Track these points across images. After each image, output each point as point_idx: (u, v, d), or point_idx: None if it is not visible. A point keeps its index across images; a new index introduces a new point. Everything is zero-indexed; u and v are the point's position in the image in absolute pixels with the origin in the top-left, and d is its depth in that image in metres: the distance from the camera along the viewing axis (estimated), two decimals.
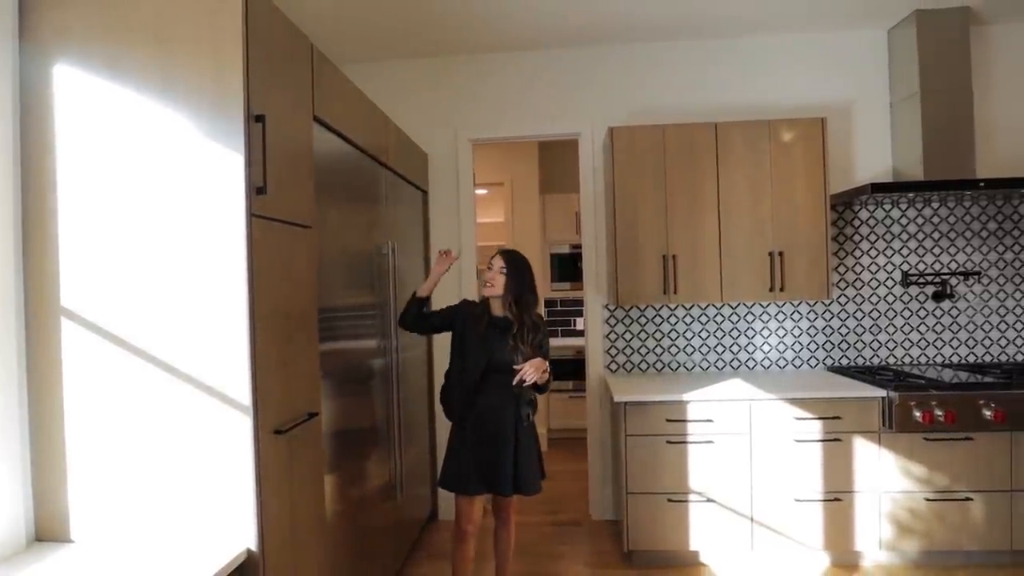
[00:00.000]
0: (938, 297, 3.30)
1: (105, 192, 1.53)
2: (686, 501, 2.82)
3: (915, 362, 3.34)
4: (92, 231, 1.53)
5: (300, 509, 1.71)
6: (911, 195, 3.02)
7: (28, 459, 1.56)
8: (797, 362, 3.39)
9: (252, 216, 1.49)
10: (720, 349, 3.42)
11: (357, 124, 2.31)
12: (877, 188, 2.92)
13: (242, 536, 1.49)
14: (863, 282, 3.35)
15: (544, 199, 5.40)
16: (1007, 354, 3.31)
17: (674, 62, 3.43)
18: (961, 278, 3.30)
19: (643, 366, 3.45)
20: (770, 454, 2.80)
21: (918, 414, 2.66)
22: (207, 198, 1.49)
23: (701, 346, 3.43)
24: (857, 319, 3.36)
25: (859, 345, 3.36)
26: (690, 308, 3.43)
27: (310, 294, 1.83)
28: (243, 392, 1.48)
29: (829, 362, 3.38)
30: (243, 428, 1.48)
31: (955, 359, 3.33)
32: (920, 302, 3.33)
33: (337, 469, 2.07)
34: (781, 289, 3.04)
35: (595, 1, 2.91)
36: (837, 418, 2.77)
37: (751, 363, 3.41)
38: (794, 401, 2.79)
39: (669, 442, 2.82)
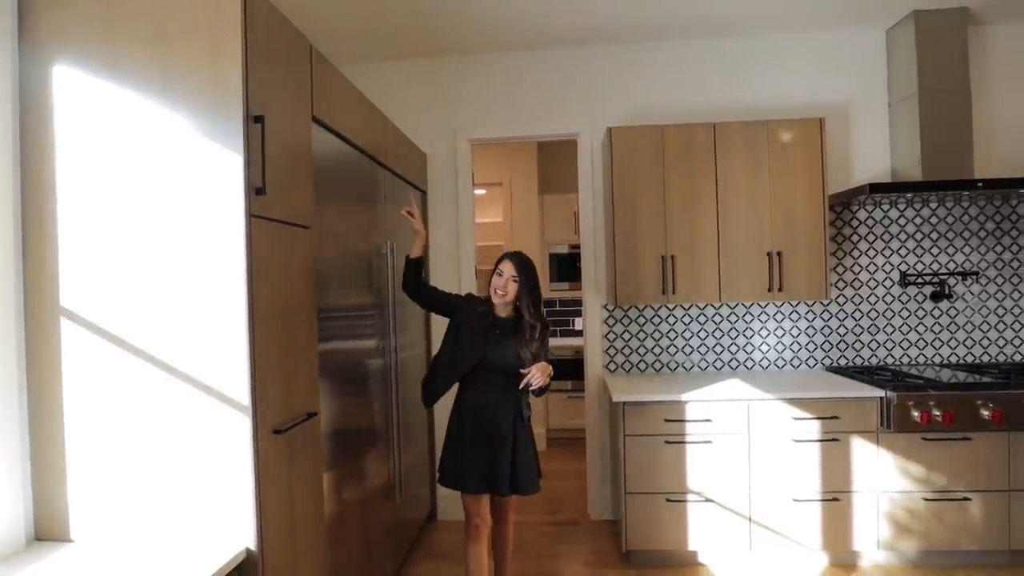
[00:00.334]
0: (936, 297, 3.31)
1: (104, 192, 1.53)
2: (684, 501, 2.83)
3: (913, 362, 3.35)
4: (92, 231, 1.54)
5: (299, 509, 1.72)
6: (909, 195, 3.03)
7: (28, 459, 1.57)
8: (796, 362, 3.40)
9: (251, 216, 1.49)
10: (719, 349, 3.42)
11: (356, 124, 2.31)
12: (875, 188, 2.92)
13: (241, 535, 1.49)
14: (861, 282, 3.36)
15: (543, 199, 5.41)
16: (1005, 354, 3.31)
17: (673, 62, 3.43)
18: (959, 278, 3.31)
19: (642, 366, 3.46)
20: (768, 454, 2.80)
21: (916, 414, 2.67)
22: (206, 198, 1.49)
23: (700, 346, 3.43)
24: (855, 319, 3.36)
25: (857, 345, 3.37)
26: (689, 308, 3.43)
27: (309, 294, 1.83)
28: (242, 392, 1.48)
29: (828, 362, 3.38)
30: (242, 428, 1.48)
31: (953, 359, 3.33)
32: (918, 302, 3.34)
33: (336, 469, 2.07)
34: (780, 289, 3.04)
35: (594, 2, 2.92)
36: (835, 418, 2.77)
37: (750, 363, 3.41)
38: (792, 401, 2.79)
39: (668, 442, 2.83)
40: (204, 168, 1.49)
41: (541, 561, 3.01)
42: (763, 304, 3.39)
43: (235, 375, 1.48)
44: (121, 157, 1.52)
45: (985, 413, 2.65)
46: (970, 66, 3.06)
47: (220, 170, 1.48)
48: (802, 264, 3.04)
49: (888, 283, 3.35)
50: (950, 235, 3.32)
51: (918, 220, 3.33)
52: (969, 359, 3.33)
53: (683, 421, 2.82)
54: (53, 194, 1.55)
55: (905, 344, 3.35)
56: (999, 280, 3.30)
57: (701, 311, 3.43)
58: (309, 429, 1.79)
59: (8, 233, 1.54)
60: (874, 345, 3.36)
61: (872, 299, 3.36)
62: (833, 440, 2.78)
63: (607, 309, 3.48)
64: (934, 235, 3.32)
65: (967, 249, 3.31)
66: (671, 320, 3.44)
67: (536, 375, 2.19)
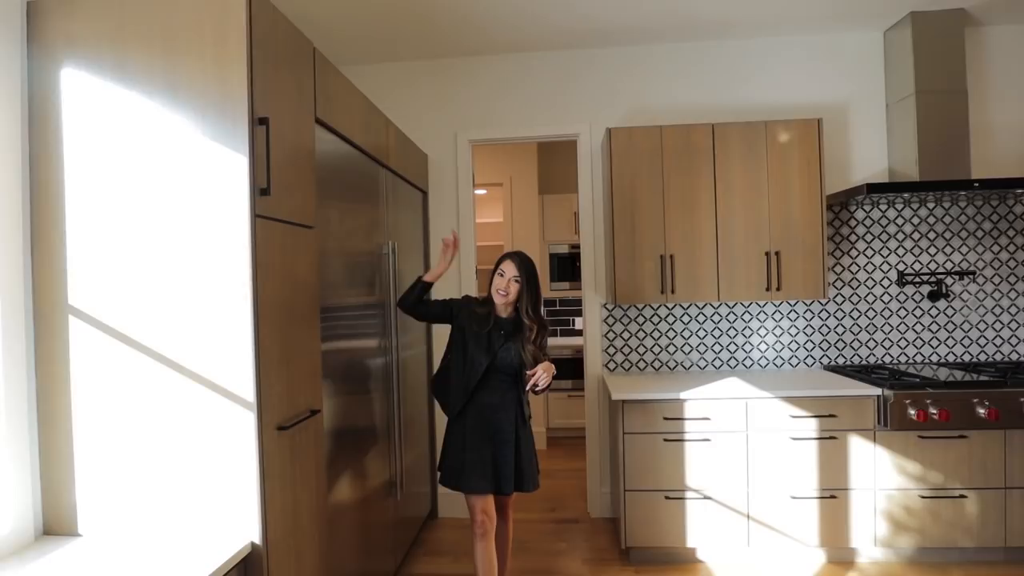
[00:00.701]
0: (933, 296, 3.33)
1: (112, 193, 1.56)
2: (683, 498, 2.85)
3: (911, 361, 3.37)
4: (99, 231, 1.57)
5: (302, 504, 1.74)
6: (907, 195, 3.05)
7: (36, 454, 1.60)
8: (794, 361, 3.42)
9: (256, 217, 1.52)
10: (717, 348, 3.45)
11: (358, 126, 2.34)
12: (873, 188, 2.95)
13: (246, 530, 1.52)
14: (859, 281, 3.38)
15: (543, 199, 5.43)
16: (1002, 353, 3.34)
17: (672, 64, 3.46)
18: (956, 277, 3.34)
19: (641, 365, 3.49)
20: (766, 452, 2.83)
21: (913, 412, 2.69)
22: (212, 199, 1.52)
23: (699, 345, 3.46)
24: (853, 318, 3.39)
25: (855, 344, 3.39)
26: (688, 307, 3.46)
27: (312, 293, 1.86)
28: (247, 389, 1.51)
29: (826, 361, 3.41)
30: (247, 424, 1.51)
31: (950, 358, 3.36)
32: (916, 301, 3.36)
33: (338, 466, 2.10)
34: (778, 288, 3.07)
35: (593, 5, 2.94)
36: (833, 416, 2.80)
37: (748, 362, 3.44)
38: (790, 399, 2.82)
39: (666, 440, 2.85)
40: (209, 169, 1.52)
41: (541, 558, 3.03)
42: (761, 303, 3.41)
43: (240, 372, 1.51)
44: (128, 158, 1.55)
45: (981, 411, 2.67)
46: (967, 67, 3.09)
47: (225, 171, 1.51)
48: (800, 263, 3.06)
49: (886, 282, 3.37)
50: (947, 235, 3.34)
51: (915, 220, 3.35)
52: (966, 358, 3.35)
53: (682, 419, 2.85)
54: (61, 194, 1.58)
55: (903, 343, 3.37)
56: (996, 279, 3.33)
57: (700, 310, 3.45)
58: (312, 426, 1.81)
59: (17, 232, 1.57)
60: (872, 344, 3.38)
61: (870, 298, 3.38)
62: (831, 438, 2.80)
63: (607, 308, 3.50)
64: (931, 235, 3.35)
65: (964, 249, 3.33)
66: (670, 319, 3.46)
67: (543, 375, 2.22)
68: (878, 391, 2.77)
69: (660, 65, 3.47)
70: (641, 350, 3.48)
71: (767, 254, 3.07)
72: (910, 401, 2.71)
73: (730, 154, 3.08)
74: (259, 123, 1.53)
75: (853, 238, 3.38)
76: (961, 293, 3.34)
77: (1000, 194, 3.09)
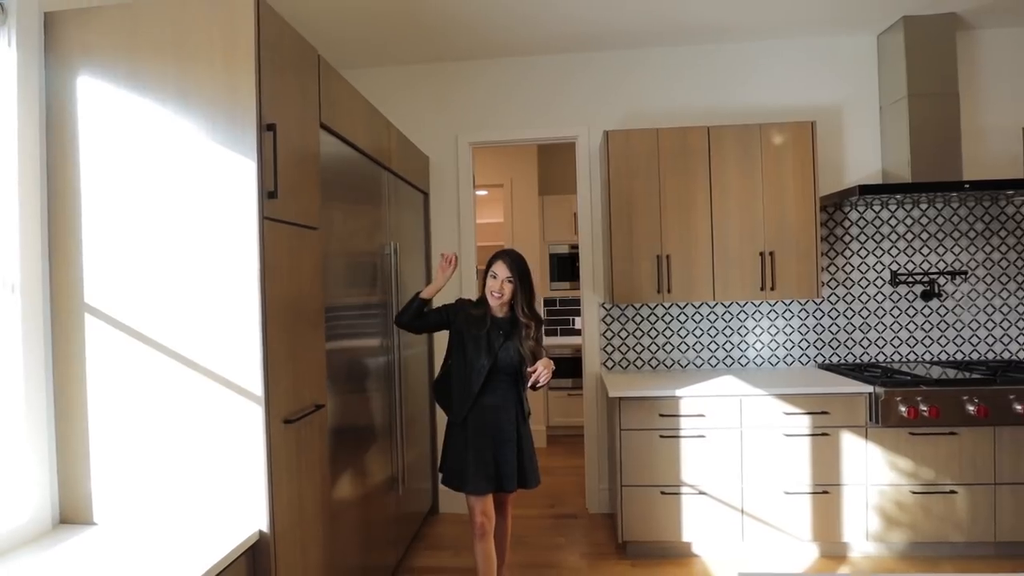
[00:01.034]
0: (926, 296, 3.39)
1: (126, 197, 1.63)
2: (679, 494, 2.91)
3: (903, 360, 3.43)
4: (114, 233, 1.63)
5: (307, 496, 1.81)
6: (899, 196, 3.11)
7: (54, 447, 1.67)
8: (788, 359, 3.48)
9: (264, 219, 1.59)
10: (713, 347, 3.51)
11: (360, 129, 2.41)
12: (866, 189, 3.00)
13: (254, 519, 1.59)
14: (853, 281, 3.44)
15: (543, 200, 5.49)
16: (994, 352, 3.39)
17: (668, 67, 3.52)
18: (948, 277, 3.39)
19: (638, 363, 3.54)
20: (760, 448, 2.89)
21: (903, 409, 2.75)
22: (221, 202, 1.58)
23: (695, 344, 3.52)
24: (847, 318, 3.44)
25: (849, 343, 3.45)
26: (684, 307, 3.52)
27: (317, 292, 1.92)
28: (255, 383, 1.57)
29: (820, 360, 3.46)
30: (255, 417, 1.58)
31: (943, 357, 3.41)
32: (909, 301, 3.42)
33: (341, 460, 2.16)
34: (772, 288, 3.13)
35: (591, 9, 3.00)
36: (825, 413, 2.85)
37: (743, 360, 3.50)
38: (783, 397, 2.87)
39: (662, 436, 2.91)
40: (219, 173, 1.58)
41: (540, 552, 3.09)
42: (756, 303, 3.47)
43: (249, 368, 1.58)
44: (142, 163, 1.62)
45: (971, 408, 2.72)
46: (959, 70, 3.15)
47: (234, 175, 1.58)
48: (794, 264, 3.12)
49: (879, 282, 3.43)
50: (939, 235, 3.39)
51: (908, 221, 3.41)
52: (958, 356, 3.40)
53: (677, 416, 2.91)
54: (78, 198, 1.65)
55: (896, 342, 3.43)
56: (987, 279, 3.38)
57: (696, 309, 3.51)
58: (317, 420, 1.88)
59: (36, 235, 1.64)
60: (865, 343, 3.44)
61: (863, 298, 3.44)
62: (823, 435, 2.86)
63: (605, 308, 3.56)
64: (924, 235, 3.40)
65: (956, 249, 3.38)
66: (667, 318, 3.52)
67: (543, 372, 2.27)
68: (869, 388, 2.83)
69: (656, 68, 3.53)
70: (638, 349, 3.54)
71: (762, 254, 3.13)
72: (901, 398, 2.76)
73: (725, 156, 3.14)
74: (267, 129, 1.59)
75: (847, 238, 3.43)
76: (953, 293, 3.40)
77: (991, 195, 3.14)
